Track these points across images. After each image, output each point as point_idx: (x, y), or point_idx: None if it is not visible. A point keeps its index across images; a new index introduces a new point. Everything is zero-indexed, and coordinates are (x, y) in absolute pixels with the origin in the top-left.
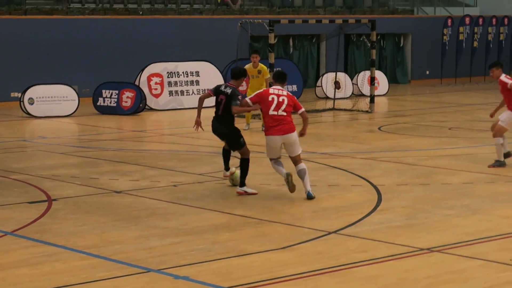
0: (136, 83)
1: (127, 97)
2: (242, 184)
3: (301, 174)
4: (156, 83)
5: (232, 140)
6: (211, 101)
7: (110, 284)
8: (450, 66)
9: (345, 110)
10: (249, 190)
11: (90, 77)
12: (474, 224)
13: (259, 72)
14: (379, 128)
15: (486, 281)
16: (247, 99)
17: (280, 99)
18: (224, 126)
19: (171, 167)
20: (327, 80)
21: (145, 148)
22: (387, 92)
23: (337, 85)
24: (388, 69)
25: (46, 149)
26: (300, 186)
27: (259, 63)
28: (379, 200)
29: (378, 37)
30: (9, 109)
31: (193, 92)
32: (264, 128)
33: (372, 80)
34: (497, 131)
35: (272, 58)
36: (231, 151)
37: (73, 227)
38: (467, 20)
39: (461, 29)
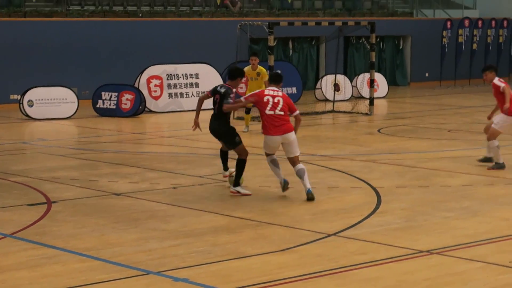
0: (136, 85)
1: (127, 99)
2: (236, 184)
3: (300, 173)
4: (155, 85)
5: (227, 138)
6: (211, 102)
7: (109, 287)
8: (449, 69)
9: (344, 112)
10: (242, 191)
11: (90, 79)
12: (474, 226)
13: (258, 74)
14: (378, 130)
15: (485, 283)
16: (242, 98)
17: (276, 100)
18: (220, 124)
19: (170, 169)
20: (326, 82)
21: (145, 150)
22: (386, 95)
23: (336, 87)
24: (388, 72)
25: (45, 151)
26: (300, 188)
27: (258, 66)
28: (379, 202)
29: (378, 40)
30: (9, 111)
31: (192, 94)
32: (262, 129)
33: (371, 82)
34: (491, 134)
35: (271, 61)
36: (228, 151)
37: (72, 229)
38: (467, 22)
39: (460, 31)
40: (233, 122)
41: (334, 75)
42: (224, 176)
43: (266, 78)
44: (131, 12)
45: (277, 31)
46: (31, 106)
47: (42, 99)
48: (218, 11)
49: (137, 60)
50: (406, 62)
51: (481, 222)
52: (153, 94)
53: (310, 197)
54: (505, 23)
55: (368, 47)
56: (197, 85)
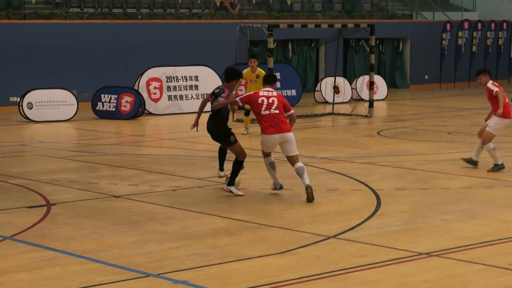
0: (135, 87)
1: (126, 102)
2: (230, 183)
3: (300, 171)
4: (155, 88)
5: (222, 137)
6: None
7: None
8: (449, 71)
9: (344, 114)
10: (235, 191)
11: (89, 82)
12: (473, 229)
13: (257, 76)
14: (378, 133)
15: (485, 286)
16: (237, 99)
17: (270, 100)
18: (215, 124)
19: (170, 171)
20: (326, 84)
21: (144, 153)
22: (386, 97)
23: (336, 89)
24: (387, 74)
25: (45, 153)
26: (299, 190)
27: (257, 68)
28: (378, 204)
29: (377, 42)
30: (8, 113)
31: (192, 96)
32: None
33: (371, 84)
34: (486, 138)
35: (271, 63)
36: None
37: (72, 232)
38: (466, 24)
39: (460, 33)
40: (232, 125)
41: (333, 78)
42: (219, 176)
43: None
44: (130, 15)
45: (276, 33)
46: (31, 108)
47: (41, 102)
48: (218, 13)
49: (137, 63)
50: (405, 64)
51: (480, 224)
52: (153, 96)
53: (309, 193)
54: (504, 25)
55: (368, 49)
56: (196, 87)
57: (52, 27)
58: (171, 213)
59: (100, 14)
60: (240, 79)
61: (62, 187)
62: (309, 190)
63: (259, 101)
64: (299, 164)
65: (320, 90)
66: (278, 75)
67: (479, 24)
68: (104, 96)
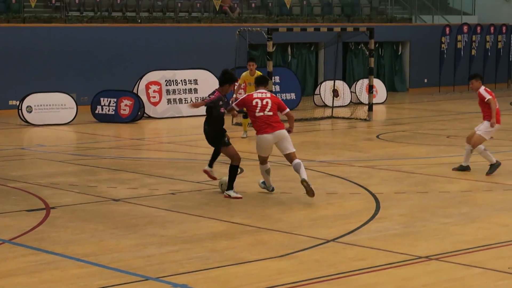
0: (135, 91)
1: (125, 105)
2: (229, 188)
3: (297, 166)
4: (154, 91)
5: (215, 139)
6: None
7: None
8: (448, 74)
9: (343, 118)
10: (233, 194)
11: (89, 85)
12: (472, 232)
13: None
14: (377, 136)
15: None
16: (233, 105)
17: (264, 102)
18: (208, 125)
19: (169, 175)
20: (325, 88)
21: (144, 156)
22: (385, 100)
23: (335, 93)
24: (386, 77)
25: (44, 157)
26: (298, 194)
27: (256, 71)
28: (377, 208)
29: (376, 45)
30: (7, 117)
31: (191, 100)
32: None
33: (370, 88)
34: (476, 141)
35: (270, 66)
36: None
37: (71, 235)
38: (465, 28)
39: (459, 37)
40: (232, 128)
41: (333, 81)
42: (204, 170)
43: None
44: (130, 18)
45: (276, 37)
46: (30, 112)
47: (41, 105)
48: (217, 17)
49: (136, 66)
50: (405, 68)
51: (480, 228)
52: (152, 100)
53: (305, 186)
54: (503, 29)
55: (367, 53)
56: (196, 91)
57: (51, 31)
58: (170, 217)
59: (100, 17)
60: (235, 83)
61: (61, 191)
62: (304, 184)
63: (253, 103)
64: (296, 160)
65: (320, 94)
66: (277, 78)
67: (478, 28)
68: (103, 100)
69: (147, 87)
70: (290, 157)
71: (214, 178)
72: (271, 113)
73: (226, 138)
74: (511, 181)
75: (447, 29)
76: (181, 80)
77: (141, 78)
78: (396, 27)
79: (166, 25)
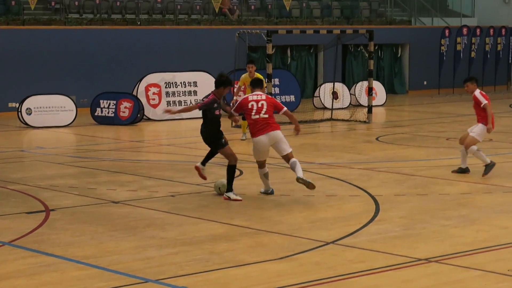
0: (134, 93)
1: (125, 107)
2: (228, 190)
3: (293, 165)
4: (154, 93)
5: (212, 139)
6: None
7: None
8: (447, 77)
9: (343, 120)
10: (233, 196)
11: (88, 87)
12: (472, 235)
13: None
14: (376, 139)
15: None
16: (232, 111)
17: (259, 104)
18: (204, 127)
19: (169, 177)
20: (325, 90)
21: (143, 158)
22: (384, 103)
23: (335, 95)
24: (386, 80)
25: (44, 159)
26: (297, 196)
27: (256, 73)
28: (377, 210)
29: (376, 48)
30: (7, 119)
31: (190, 102)
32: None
33: (369, 90)
34: (469, 143)
35: (269, 69)
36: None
37: (70, 237)
38: (465, 30)
39: (458, 39)
40: (231, 130)
41: (332, 83)
42: (195, 167)
43: (264, 85)
44: (129, 20)
45: (275, 39)
46: (30, 114)
47: (40, 107)
48: (217, 19)
49: (136, 68)
50: (404, 70)
51: (479, 230)
52: (152, 102)
53: (301, 183)
54: (503, 31)
55: (366, 55)
56: (195, 93)
57: (51, 33)
58: (170, 219)
59: (99, 20)
60: (230, 86)
61: (61, 193)
62: (300, 181)
63: (249, 106)
64: (293, 159)
65: (319, 96)
66: (277, 80)
67: (478, 30)
68: (103, 102)
69: (147, 89)
70: (287, 158)
71: (204, 178)
72: (266, 116)
73: (223, 140)
74: (510, 183)
75: (447, 31)
76: (181, 82)
77: (140, 80)
78: (396, 29)
79: (165, 27)
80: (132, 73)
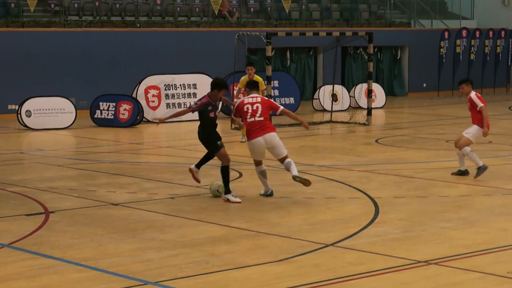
0: (134, 95)
1: (125, 110)
2: (227, 192)
3: (287, 165)
4: (153, 96)
5: (208, 141)
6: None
7: None
8: (447, 79)
9: (342, 122)
10: (232, 198)
11: (88, 90)
12: (471, 237)
13: None
14: (376, 141)
15: None
16: (232, 116)
17: (254, 107)
18: (201, 129)
19: (168, 179)
20: (324, 92)
21: (142, 161)
22: (384, 105)
23: (334, 97)
24: (385, 82)
25: (43, 161)
26: (297, 198)
27: (255, 75)
28: (376, 212)
29: (375, 50)
30: (6, 121)
31: (190, 104)
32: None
33: (369, 92)
34: (463, 143)
35: (269, 71)
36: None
37: (70, 240)
38: (464, 32)
39: (458, 41)
40: (230, 132)
41: (331, 85)
42: (189, 169)
43: (263, 87)
44: (129, 22)
45: (274, 41)
46: (29, 116)
47: (40, 109)
48: (216, 21)
49: (135, 70)
50: (403, 72)
51: (479, 232)
52: (151, 104)
53: (297, 181)
54: (502, 33)
55: (366, 57)
56: (194, 95)
57: (50, 35)
58: (169, 221)
59: (99, 22)
60: (224, 90)
61: (60, 195)
62: (297, 179)
63: (245, 109)
64: (287, 160)
65: (318, 98)
66: (276, 83)
67: (477, 32)
68: (102, 104)
69: (146, 91)
70: (283, 160)
71: (198, 181)
72: (262, 118)
73: (219, 142)
74: (509, 185)
75: (446, 33)
76: (180, 85)
77: (140, 83)
78: (395, 31)
79: (165, 30)
80: (131, 75)
